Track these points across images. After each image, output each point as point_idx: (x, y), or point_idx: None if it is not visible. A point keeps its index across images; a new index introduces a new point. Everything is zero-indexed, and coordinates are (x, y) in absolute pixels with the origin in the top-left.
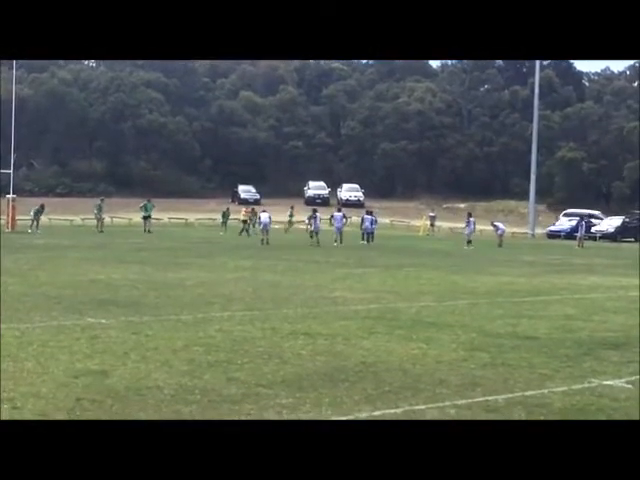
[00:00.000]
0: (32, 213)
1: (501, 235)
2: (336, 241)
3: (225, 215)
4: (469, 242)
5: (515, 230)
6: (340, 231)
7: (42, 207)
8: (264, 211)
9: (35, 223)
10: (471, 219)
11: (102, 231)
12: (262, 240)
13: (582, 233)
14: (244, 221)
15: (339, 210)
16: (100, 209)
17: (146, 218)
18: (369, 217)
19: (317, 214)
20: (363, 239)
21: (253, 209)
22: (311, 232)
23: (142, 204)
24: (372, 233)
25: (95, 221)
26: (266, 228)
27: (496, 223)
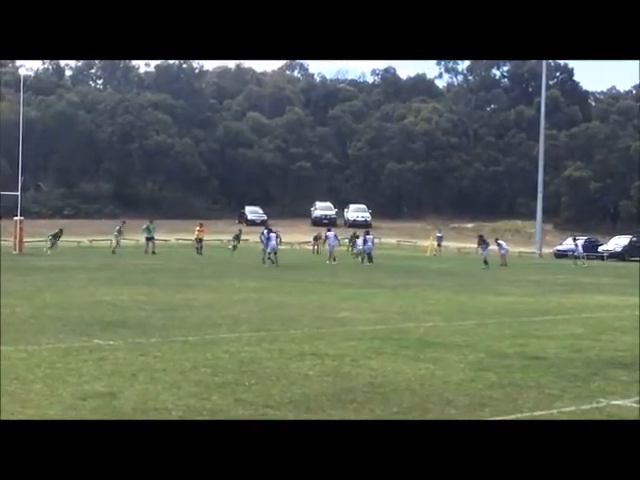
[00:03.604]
0: (49, 237)
1: (504, 255)
2: (329, 259)
3: (236, 238)
4: (504, 264)
5: (522, 250)
6: (333, 250)
7: (60, 232)
8: (329, 230)
9: (51, 245)
10: (501, 242)
11: (114, 252)
12: (264, 259)
13: (580, 252)
14: (198, 240)
15: (329, 230)
16: (120, 232)
17: (149, 239)
18: (370, 237)
19: (269, 233)
20: (370, 260)
21: (236, 233)
22: (264, 250)
23: (145, 226)
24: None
25: (114, 242)
26: (331, 248)
27: (500, 242)
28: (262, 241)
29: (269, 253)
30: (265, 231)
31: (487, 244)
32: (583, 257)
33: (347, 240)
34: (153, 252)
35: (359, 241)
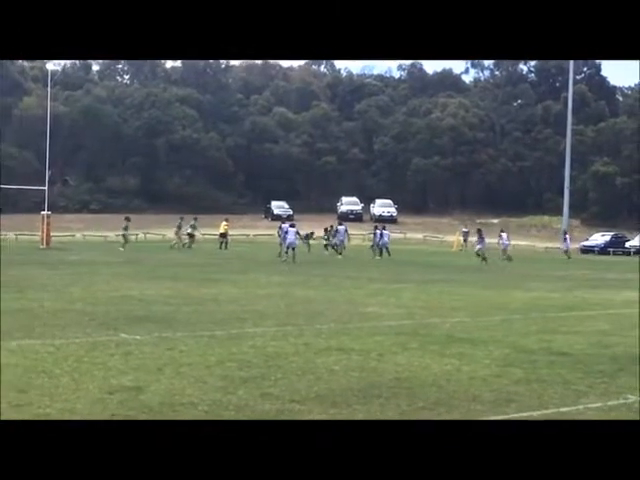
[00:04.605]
0: (122, 234)
1: (505, 249)
2: (340, 253)
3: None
4: (505, 258)
5: (549, 245)
6: (342, 244)
7: (127, 220)
8: (340, 224)
9: (125, 241)
10: (503, 234)
11: (184, 246)
12: (280, 253)
13: (568, 245)
14: (223, 234)
15: (340, 224)
16: (180, 227)
17: (191, 235)
18: (387, 232)
19: (289, 228)
20: (381, 254)
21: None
22: (281, 245)
23: (192, 222)
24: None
25: (180, 237)
26: (339, 242)
27: (502, 234)
28: (280, 235)
29: (287, 248)
30: (283, 226)
31: (483, 238)
32: (569, 251)
33: (372, 234)
34: (188, 246)
35: (340, 231)
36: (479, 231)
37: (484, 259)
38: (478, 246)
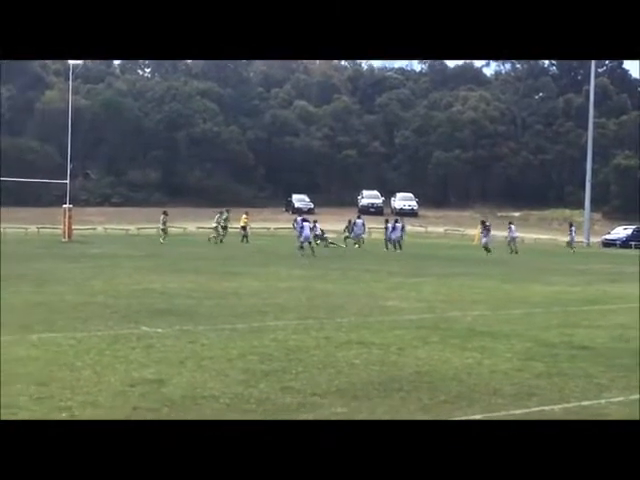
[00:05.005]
0: (161, 225)
1: (510, 241)
2: (356, 244)
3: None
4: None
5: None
6: (359, 237)
7: (165, 214)
8: (359, 217)
9: (164, 233)
10: (511, 226)
11: (221, 241)
12: (302, 250)
13: (572, 238)
14: (243, 227)
15: (359, 217)
16: (219, 221)
17: (224, 228)
18: (399, 225)
19: (303, 222)
20: (395, 247)
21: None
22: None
23: (224, 215)
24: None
25: (218, 231)
26: (357, 235)
27: (511, 226)
28: (295, 228)
29: (302, 242)
30: (299, 219)
31: (488, 230)
32: (571, 243)
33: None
34: (221, 240)
35: (358, 224)
36: (483, 223)
37: (487, 250)
38: (484, 239)
